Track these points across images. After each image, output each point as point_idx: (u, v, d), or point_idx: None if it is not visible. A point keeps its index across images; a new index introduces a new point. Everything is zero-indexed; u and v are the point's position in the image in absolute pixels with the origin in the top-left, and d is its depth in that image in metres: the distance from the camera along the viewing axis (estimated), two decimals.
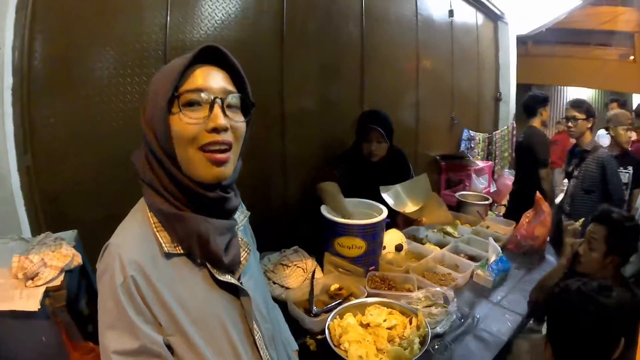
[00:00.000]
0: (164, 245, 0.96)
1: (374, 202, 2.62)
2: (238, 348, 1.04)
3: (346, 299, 2.20)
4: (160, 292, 0.92)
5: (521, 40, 6.21)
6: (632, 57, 10.96)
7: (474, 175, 4.14)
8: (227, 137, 0.95)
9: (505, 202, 4.84)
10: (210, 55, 0.98)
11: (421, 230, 3.14)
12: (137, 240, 0.95)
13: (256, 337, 1.09)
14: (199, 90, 0.93)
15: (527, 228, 2.99)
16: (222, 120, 0.93)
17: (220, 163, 0.95)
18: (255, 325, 1.09)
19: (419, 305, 2.15)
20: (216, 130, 0.93)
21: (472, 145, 4.85)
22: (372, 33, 3.35)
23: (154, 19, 2.06)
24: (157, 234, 0.96)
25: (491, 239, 2.78)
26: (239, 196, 1.12)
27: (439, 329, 2.00)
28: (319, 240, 2.49)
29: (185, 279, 0.98)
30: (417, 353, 1.75)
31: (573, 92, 11.94)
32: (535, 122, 4.17)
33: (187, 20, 2.18)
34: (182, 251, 0.98)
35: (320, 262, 2.48)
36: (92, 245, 1.87)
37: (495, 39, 5.78)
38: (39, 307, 1.39)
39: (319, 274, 2.40)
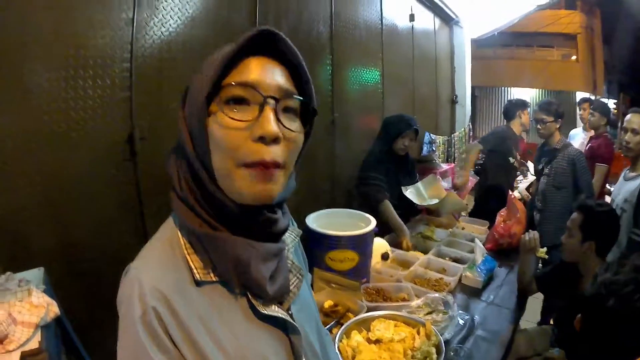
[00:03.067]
0: (195, 271, 0.77)
1: (360, 212, 2.56)
2: None
3: (344, 316, 2.12)
4: (190, 328, 0.73)
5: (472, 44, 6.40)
6: (574, 57, 11.61)
7: (439, 178, 4.18)
8: (277, 152, 0.74)
9: (466, 200, 4.93)
10: (267, 45, 0.77)
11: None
12: (163, 264, 0.76)
13: None
14: (247, 84, 0.73)
15: (504, 227, 3.03)
16: (273, 126, 0.72)
17: (268, 178, 0.74)
18: None
19: (420, 313, 2.10)
20: (264, 139, 0.71)
21: (434, 148, 4.89)
22: (341, 37, 3.29)
23: (120, 14, 1.83)
24: (187, 257, 0.78)
25: (477, 240, 2.80)
26: (289, 214, 0.93)
27: (446, 335, 1.96)
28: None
29: (222, 311, 0.78)
30: None
31: (517, 93, 12.44)
32: (514, 125, 4.27)
33: (156, 16, 1.97)
34: (215, 278, 0.78)
35: None
36: (56, 282, 1.59)
37: (450, 43, 5.88)
38: None
39: None
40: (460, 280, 2.58)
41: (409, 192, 3.36)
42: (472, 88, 6.69)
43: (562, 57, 11.94)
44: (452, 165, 4.68)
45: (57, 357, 1.37)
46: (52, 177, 1.69)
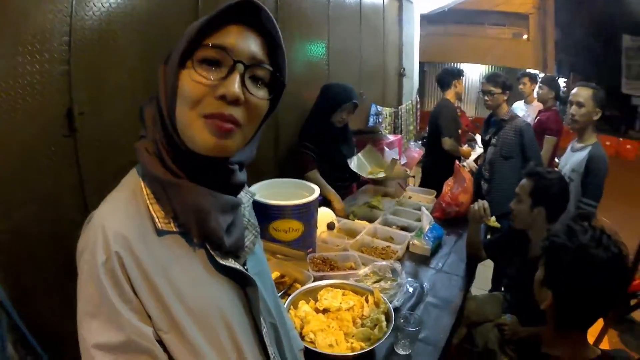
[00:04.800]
0: (157, 220, 0.78)
1: (304, 182, 2.47)
2: (242, 345, 0.86)
3: (291, 287, 2.03)
4: (151, 276, 0.75)
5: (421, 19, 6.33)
6: (525, 36, 11.91)
7: (386, 149, 4.13)
8: (237, 113, 0.76)
9: (412, 172, 4.93)
10: (250, 15, 0.79)
11: (346, 206, 3.04)
12: (126, 211, 0.78)
13: (263, 332, 0.92)
14: (223, 47, 0.76)
15: (451, 195, 3.01)
16: (235, 88, 0.74)
17: (223, 133, 0.76)
18: (261, 319, 0.92)
19: (368, 281, 2.05)
20: (224, 98, 0.74)
21: (380, 120, 4.86)
22: (286, 10, 3.18)
23: None
24: (150, 206, 0.79)
25: (424, 209, 2.77)
26: (245, 173, 0.93)
27: (396, 302, 1.92)
28: None
29: (182, 261, 0.80)
30: (387, 330, 1.64)
31: (467, 69, 12.58)
32: (449, 95, 4.27)
33: None
34: (176, 228, 0.80)
35: None
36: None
37: (399, 17, 5.78)
38: None
39: None
40: (408, 248, 2.54)
41: (353, 164, 3.27)
42: (422, 63, 6.69)
43: (514, 36, 12.24)
44: (399, 136, 4.63)
45: (2, 345, 1.33)
46: None
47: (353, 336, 1.64)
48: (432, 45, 8.91)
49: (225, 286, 0.86)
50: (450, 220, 3.01)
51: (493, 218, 2.47)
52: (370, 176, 3.24)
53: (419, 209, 2.88)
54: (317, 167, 3.09)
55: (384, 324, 1.66)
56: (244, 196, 0.99)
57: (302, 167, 3.08)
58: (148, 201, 0.79)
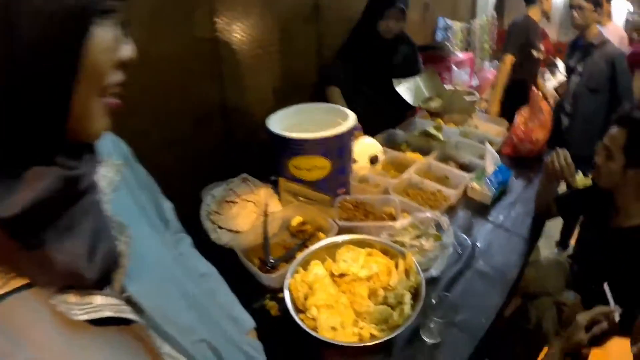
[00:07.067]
0: None
1: (338, 107, 2.04)
2: None
3: (312, 236, 1.70)
4: None
5: None
6: None
7: (454, 68, 3.57)
8: None
9: (486, 95, 4.33)
10: None
11: (399, 134, 2.60)
12: None
13: None
14: None
15: (525, 130, 2.47)
16: None
17: None
18: (167, 351, 0.62)
19: (405, 237, 1.68)
20: None
21: (449, 35, 4.23)
22: None
23: None
24: None
25: (488, 145, 2.28)
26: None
27: (433, 272, 1.54)
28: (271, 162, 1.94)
29: (21, 333, 0.47)
30: (410, 315, 1.27)
31: None
32: (533, 11, 3.57)
33: None
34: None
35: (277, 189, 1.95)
36: None
37: None
38: None
39: (275, 205, 1.87)
40: (465, 192, 2.11)
41: (403, 88, 2.69)
42: None
43: None
44: (471, 54, 4.00)
45: None
46: None
47: (365, 318, 1.30)
48: None
49: (100, 338, 0.53)
50: (521, 159, 2.49)
51: (580, 176, 1.86)
52: (422, 105, 2.73)
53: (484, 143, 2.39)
54: (340, 87, 2.61)
55: (408, 306, 1.29)
56: (104, 177, 0.62)
57: (322, 82, 2.68)
58: None
